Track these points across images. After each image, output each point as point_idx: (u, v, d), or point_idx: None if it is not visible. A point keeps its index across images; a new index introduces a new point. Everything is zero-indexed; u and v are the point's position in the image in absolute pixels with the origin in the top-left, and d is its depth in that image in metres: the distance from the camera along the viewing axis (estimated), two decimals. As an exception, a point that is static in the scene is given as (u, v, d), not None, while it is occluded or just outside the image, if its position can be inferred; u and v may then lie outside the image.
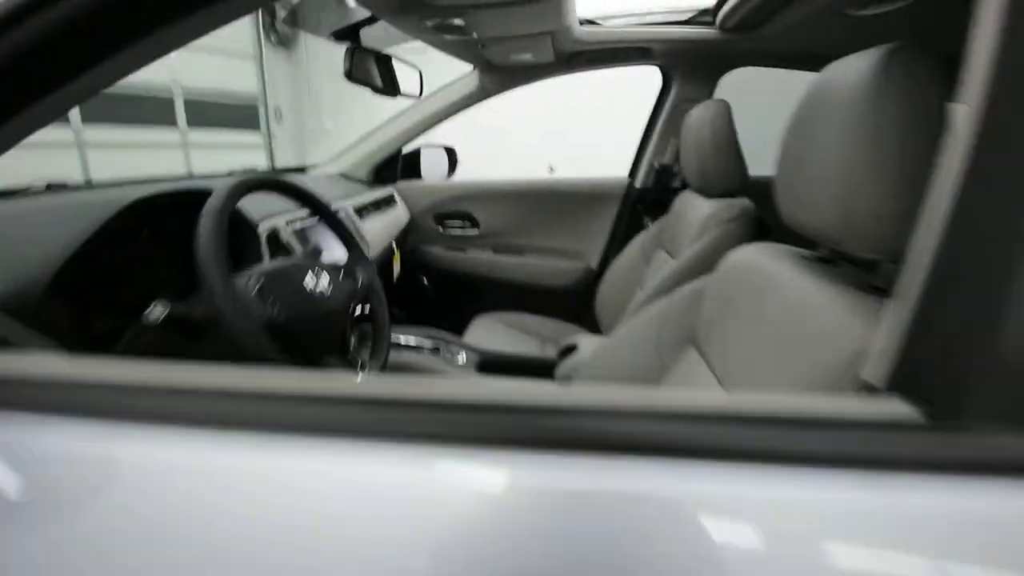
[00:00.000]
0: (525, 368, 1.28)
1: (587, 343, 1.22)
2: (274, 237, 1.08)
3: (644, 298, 1.30)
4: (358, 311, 1.01)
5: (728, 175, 1.25)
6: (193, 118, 4.86)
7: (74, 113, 4.35)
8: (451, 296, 2.06)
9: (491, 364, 1.28)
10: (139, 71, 0.46)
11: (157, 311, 0.61)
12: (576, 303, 1.95)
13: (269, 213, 1.11)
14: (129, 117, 4.44)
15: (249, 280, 0.70)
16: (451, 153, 2.06)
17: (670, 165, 1.71)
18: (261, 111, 6.16)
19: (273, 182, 0.79)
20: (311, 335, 0.77)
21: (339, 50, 1.30)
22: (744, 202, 1.23)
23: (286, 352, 0.75)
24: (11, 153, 0.44)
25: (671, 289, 1.28)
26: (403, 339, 1.29)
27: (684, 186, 1.74)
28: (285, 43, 6.37)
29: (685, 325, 0.87)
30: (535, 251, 1.96)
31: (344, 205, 1.40)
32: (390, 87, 1.37)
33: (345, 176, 1.79)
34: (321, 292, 0.81)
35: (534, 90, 1.72)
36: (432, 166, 1.98)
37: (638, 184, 1.79)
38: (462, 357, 1.26)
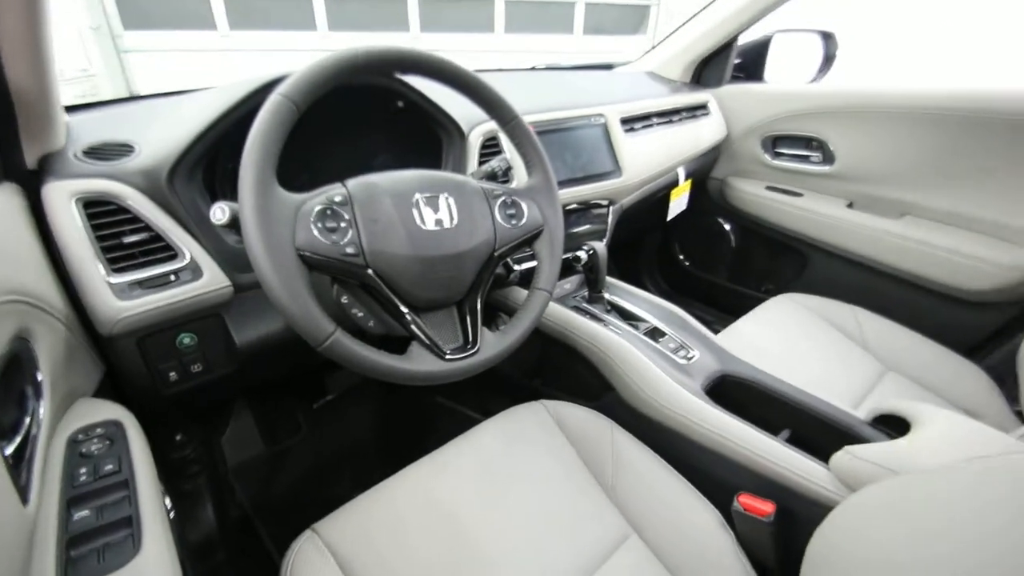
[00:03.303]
0: (796, 415, 0.75)
1: (933, 427, 0.60)
2: (490, 144, 0.88)
3: None
4: (512, 262, 0.73)
5: None
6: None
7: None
8: (757, 257, 1.47)
9: (740, 386, 0.80)
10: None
11: (218, 213, 0.50)
12: (987, 325, 1.09)
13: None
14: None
15: (315, 198, 0.51)
16: (829, 41, 1.34)
17: None
18: (653, 11, 5.85)
19: (389, 57, 0.55)
20: (409, 284, 0.55)
21: None
22: None
23: (360, 302, 0.56)
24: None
25: None
26: (619, 301, 0.94)
27: None
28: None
29: None
30: (929, 217, 1.14)
31: (607, 112, 1.06)
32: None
33: (653, 75, 1.39)
34: (438, 227, 0.57)
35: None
36: (788, 62, 1.34)
37: None
38: (694, 358, 0.83)
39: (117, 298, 0.57)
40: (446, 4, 5.07)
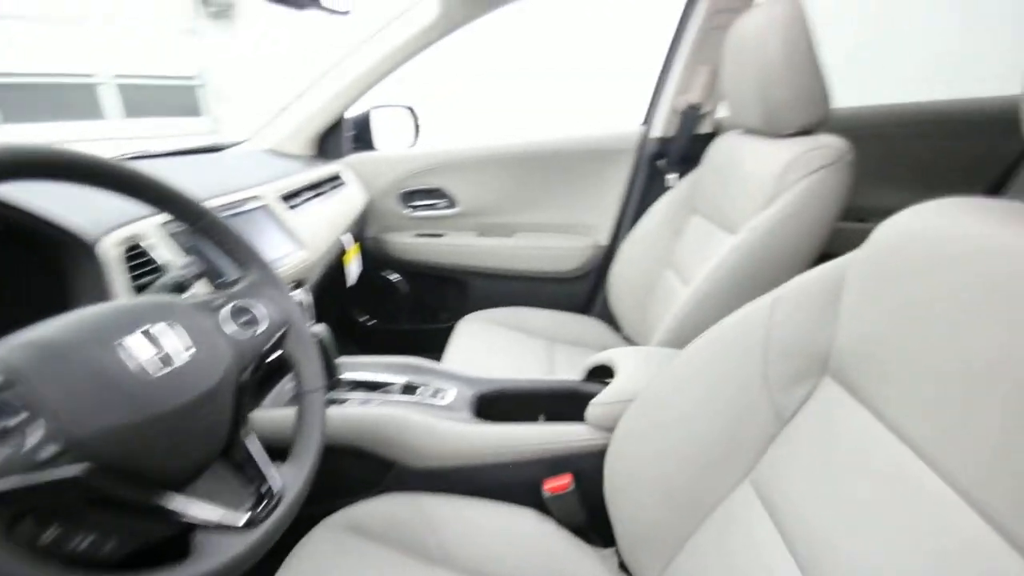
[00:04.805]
0: (543, 401, 0.92)
1: (624, 362, 0.86)
2: (138, 255, 0.68)
3: (694, 296, 0.94)
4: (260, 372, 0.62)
5: (809, 104, 0.88)
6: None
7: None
8: (428, 296, 1.66)
9: (494, 399, 0.91)
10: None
11: None
12: (585, 290, 1.58)
13: (130, 217, 0.70)
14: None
15: None
16: (413, 113, 1.63)
17: (698, 104, 1.32)
18: (200, 93, 5.51)
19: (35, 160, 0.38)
20: (156, 459, 0.39)
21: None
22: (836, 140, 0.86)
23: (81, 524, 0.36)
24: None
25: (742, 276, 0.93)
26: (358, 376, 0.90)
27: (715, 132, 1.37)
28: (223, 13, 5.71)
29: (815, 345, 0.51)
30: (529, 230, 1.56)
31: (263, 192, 0.99)
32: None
33: (276, 152, 1.36)
34: (169, 368, 0.42)
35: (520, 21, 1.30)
36: (388, 132, 1.56)
37: (656, 132, 1.40)
38: (451, 395, 0.89)
39: None
40: None
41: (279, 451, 0.52)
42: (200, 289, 0.69)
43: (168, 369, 0.42)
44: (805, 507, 0.47)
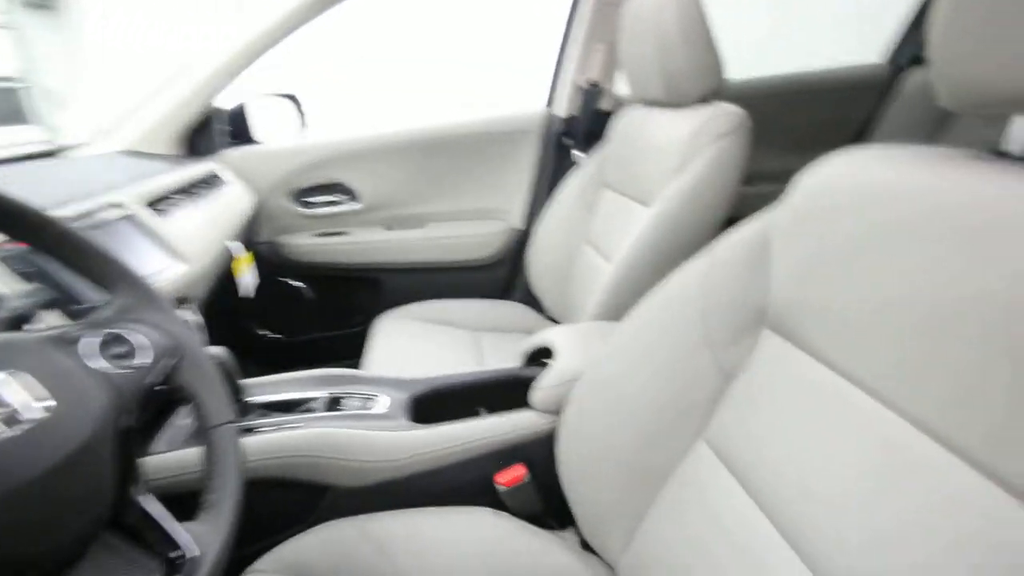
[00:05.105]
0: (482, 393, 0.87)
1: (562, 341, 0.84)
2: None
3: (619, 268, 0.95)
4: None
5: (707, 73, 0.91)
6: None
7: None
8: (338, 299, 1.53)
9: (430, 400, 0.85)
10: None
11: None
12: (504, 275, 1.55)
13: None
14: None
15: None
16: (296, 102, 1.48)
17: (598, 81, 1.34)
18: (24, 95, 4.61)
19: None
20: (7, 547, 0.29)
21: None
22: (733, 108, 0.91)
23: None
24: None
25: (665, 243, 0.95)
26: (271, 397, 0.79)
27: (615, 108, 1.40)
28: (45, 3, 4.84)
29: (750, 300, 0.53)
30: (440, 219, 1.50)
31: (123, 198, 0.82)
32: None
33: (133, 153, 1.16)
34: (18, 429, 0.32)
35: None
36: (270, 123, 1.40)
37: (560, 112, 1.40)
38: (383, 402, 0.81)
39: None
40: None
41: (185, 502, 0.43)
42: (52, 322, 0.55)
43: (16, 430, 0.31)
44: (762, 454, 0.47)
